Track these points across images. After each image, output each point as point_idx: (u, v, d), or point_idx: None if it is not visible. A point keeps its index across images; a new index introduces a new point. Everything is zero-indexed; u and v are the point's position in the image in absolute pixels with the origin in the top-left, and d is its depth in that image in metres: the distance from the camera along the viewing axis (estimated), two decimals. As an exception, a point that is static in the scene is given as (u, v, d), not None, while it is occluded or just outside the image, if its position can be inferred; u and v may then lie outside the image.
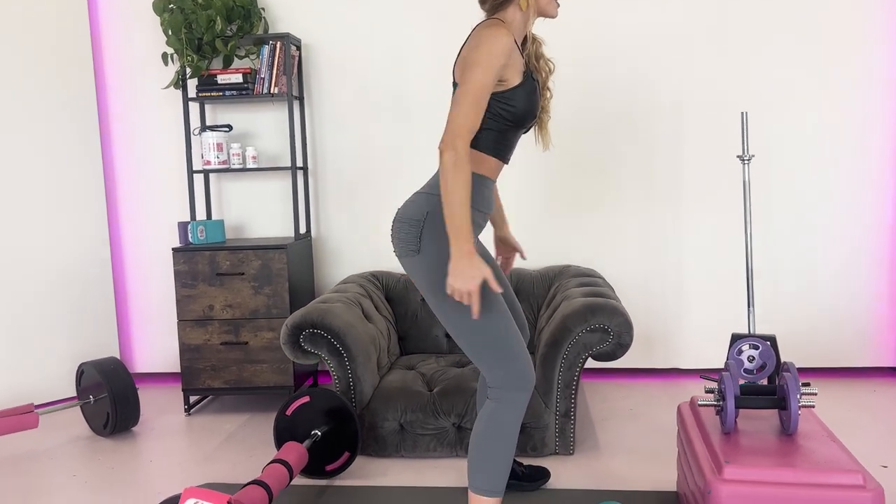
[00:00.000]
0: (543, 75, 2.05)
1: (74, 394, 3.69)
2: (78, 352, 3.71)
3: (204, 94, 3.51)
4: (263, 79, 3.49)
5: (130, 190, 3.88)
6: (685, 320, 3.73)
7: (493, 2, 1.94)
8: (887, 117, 3.55)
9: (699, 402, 2.13)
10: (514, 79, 1.89)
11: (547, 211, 3.72)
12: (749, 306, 3.07)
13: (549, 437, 2.78)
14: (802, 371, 3.71)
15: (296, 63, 3.62)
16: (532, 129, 2.11)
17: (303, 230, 3.76)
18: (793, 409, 1.99)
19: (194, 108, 3.74)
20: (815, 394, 2.10)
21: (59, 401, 3.66)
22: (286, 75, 3.48)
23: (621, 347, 2.74)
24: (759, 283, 3.65)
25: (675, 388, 3.61)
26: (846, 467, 1.82)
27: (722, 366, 3.73)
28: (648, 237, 3.69)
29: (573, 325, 2.72)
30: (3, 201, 3.46)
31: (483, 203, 2.00)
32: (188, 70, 3.48)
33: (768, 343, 2.96)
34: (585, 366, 2.82)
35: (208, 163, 3.56)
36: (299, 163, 3.76)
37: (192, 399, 3.56)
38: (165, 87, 3.54)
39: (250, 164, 3.60)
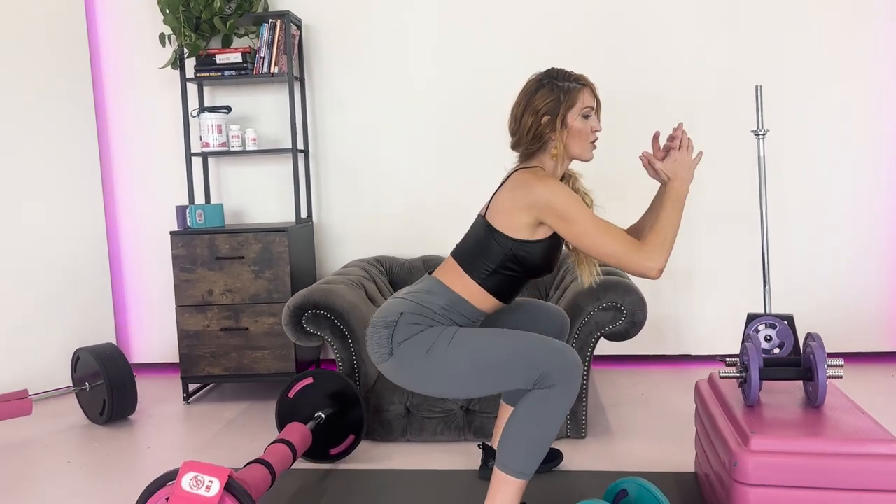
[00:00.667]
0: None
1: (70, 382, 3.59)
2: (74, 339, 3.61)
3: (202, 74, 3.43)
4: (263, 58, 3.40)
5: (127, 173, 3.79)
6: (696, 306, 3.64)
7: (527, 149, 1.98)
8: (901, 96, 3.47)
9: (721, 374, 2.04)
10: (544, 232, 1.91)
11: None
12: (765, 285, 2.99)
13: (560, 420, 2.68)
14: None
15: (296, 43, 3.53)
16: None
17: (304, 214, 3.67)
18: (820, 380, 1.90)
19: (192, 89, 3.65)
20: (842, 364, 2.01)
21: (54, 390, 3.57)
22: (286, 55, 3.40)
23: (635, 326, 2.66)
24: (773, 266, 3.56)
25: (687, 374, 3.52)
26: (879, 437, 1.74)
27: (736, 351, 3.63)
28: (658, 220, 3.60)
29: (585, 304, 2.64)
30: (-3, 184, 3.37)
31: (474, 315, 1.99)
32: (186, 50, 3.39)
33: (786, 322, 2.87)
34: (595, 353, 2.73)
35: (207, 145, 3.47)
36: (300, 145, 3.67)
37: (191, 387, 3.47)
38: (163, 67, 3.46)
39: (250, 147, 3.51)
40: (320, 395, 2.59)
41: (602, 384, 3.43)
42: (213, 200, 3.76)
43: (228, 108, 3.53)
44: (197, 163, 3.72)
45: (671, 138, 2.01)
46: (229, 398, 3.45)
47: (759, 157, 2.98)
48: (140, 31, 3.67)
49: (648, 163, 2.02)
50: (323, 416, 2.52)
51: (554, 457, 2.42)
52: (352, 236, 3.75)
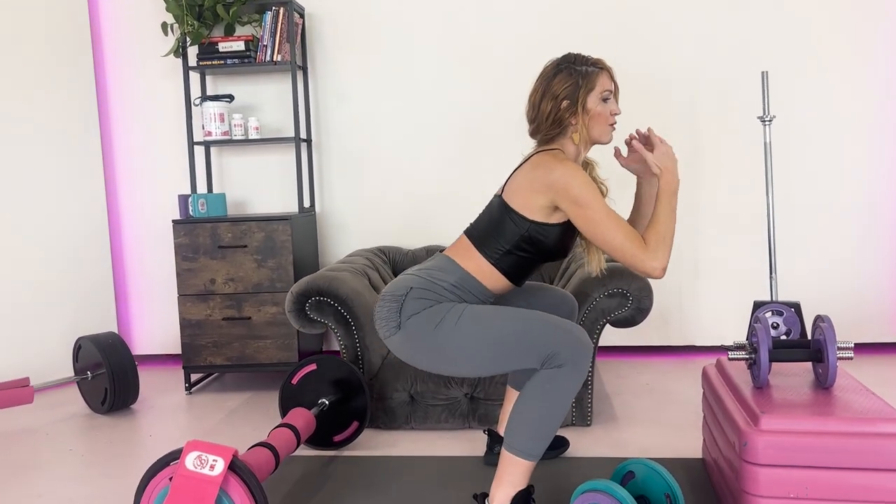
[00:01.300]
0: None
1: (71, 372, 3.57)
2: (75, 328, 3.59)
3: (205, 62, 3.41)
4: (266, 46, 3.39)
5: (129, 162, 3.78)
6: (701, 296, 3.62)
7: (546, 134, 1.95)
8: (907, 84, 3.45)
9: (730, 356, 2.02)
10: (560, 217, 1.90)
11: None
12: (771, 273, 2.97)
13: (565, 407, 2.66)
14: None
15: (299, 31, 3.52)
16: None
17: (307, 204, 3.65)
18: (831, 361, 1.88)
19: (195, 77, 3.64)
20: (852, 346, 1.99)
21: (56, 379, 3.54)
22: (289, 43, 3.39)
23: (641, 312, 2.63)
24: (779, 254, 3.54)
25: (692, 365, 3.50)
26: (889, 416, 1.71)
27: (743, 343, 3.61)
28: (662, 210, 3.58)
29: (591, 290, 2.62)
30: (-2, 173, 3.36)
31: (483, 295, 1.98)
32: (188, 38, 3.38)
33: (792, 310, 2.85)
34: (600, 344, 2.71)
35: (209, 134, 3.45)
36: (303, 135, 3.65)
37: (193, 378, 3.45)
38: (165, 55, 3.45)
39: (252, 136, 3.49)
40: (324, 382, 2.57)
41: (607, 374, 3.41)
42: (216, 190, 3.75)
43: (231, 97, 3.51)
44: (199, 152, 3.70)
45: (643, 138, 2.01)
46: (232, 388, 3.43)
47: (765, 144, 2.95)
48: (142, 19, 3.66)
49: (635, 151, 2.00)
50: (326, 402, 2.50)
51: (560, 444, 2.40)
52: (354, 226, 3.73)
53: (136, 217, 3.80)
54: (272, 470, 2.00)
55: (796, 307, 2.85)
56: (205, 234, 3.28)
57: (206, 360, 3.32)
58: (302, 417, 2.32)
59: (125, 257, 3.83)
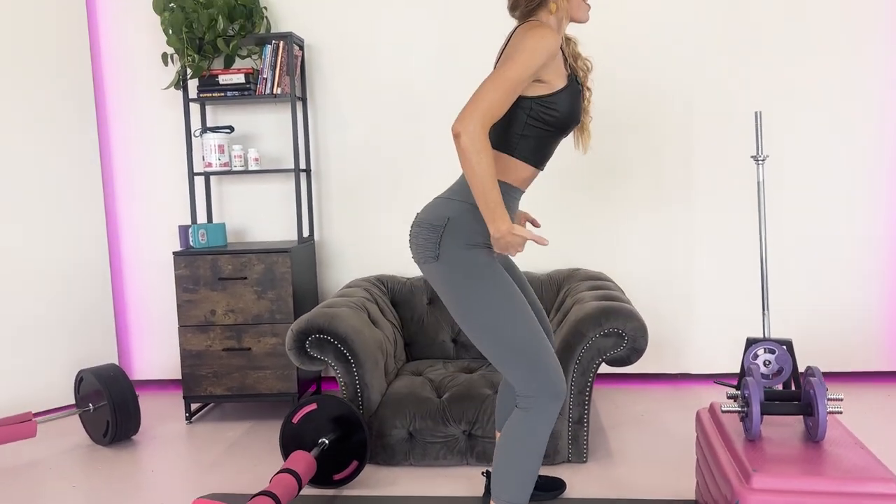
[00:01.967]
0: (582, 75, 1.99)
1: (73, 401, 3.60)
2: (76, 358, 3.62)
3: (205, 94, 3.44)
4: (266, 79, 3.42)
5: (130, 193, 3.81)
6: (695, 324, 3.67)
7: (525, 7, 1.89)
8: (899, 117, 3.50)
9: (723, 409, 2.07)
10: (558, 82, 1.84)
11: (554, 213, 3.66)
12: (764, 310, 3.02)
13: (561, 445, 2.71)
14: (814, 375, 3.65)
15: (299, 63, 3.55)
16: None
17: (306, 234, 3.69)
18: (821, 416, 1.92)
19: (195, 108, 3.67)
20: (842, 399, 2.04)
21: (57, 409, 3.58)
22: (289, 75, 3.42)
23: (636, 352, 2.68)
24: (769, 285, 3.59)
25: (686, 394, 3.55)
26: (880, 475, 1.76)
27: (733, 371, 3.66)
28: (657, 239, 3.63)
29: (587, 330, 2.66)
30: (0, 204, 3.38)
31: (513, 196, 1.95)
32: (189, 70, 3.41)
33: (784, 347, 2.90)
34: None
35: (209, 165, 3.48)
36: (302, 165, 3.69)
37: (194, 406, 3.48)
38: (166, 88, 3.47)
39: (252, 167, 3.52)
40: (324, 421, 2.61)
41: (602, 403, 3.46)
42: (216, 219, 3.78)
43: (231, 128, 3.54)
44: (199, 182, 3.73)
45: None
46: (231, 418, 3.47)
47: (758, 183, 3.01)
48: (143, 51, 3.69)
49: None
50: (327, 441, 2.54)
51: (556, 486, 2.45)
52: (353, 254, 3.77)
53: (137, 247, 3.83)
54: (275, 520, 2.04)
55: (788, 345, 2.90)
56: (205, 265, 3.31)
57: (206, 391, 3.35)
58: (303, 461, 2.36)
59: (126, 286, 3.86)
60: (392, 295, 3.50)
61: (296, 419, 2.61)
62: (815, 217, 3.58)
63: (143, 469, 2.87)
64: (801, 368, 3.64)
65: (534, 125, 1.86)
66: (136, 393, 3.17)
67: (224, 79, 3.42)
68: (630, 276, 3.66)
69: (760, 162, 2.99)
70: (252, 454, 2.97)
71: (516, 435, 1.86)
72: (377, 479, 2.66)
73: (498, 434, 2.37)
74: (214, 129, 3.51)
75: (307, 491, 2.57)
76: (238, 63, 3.59)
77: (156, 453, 3.03)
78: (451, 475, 2.67)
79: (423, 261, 1.91)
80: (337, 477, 2.58)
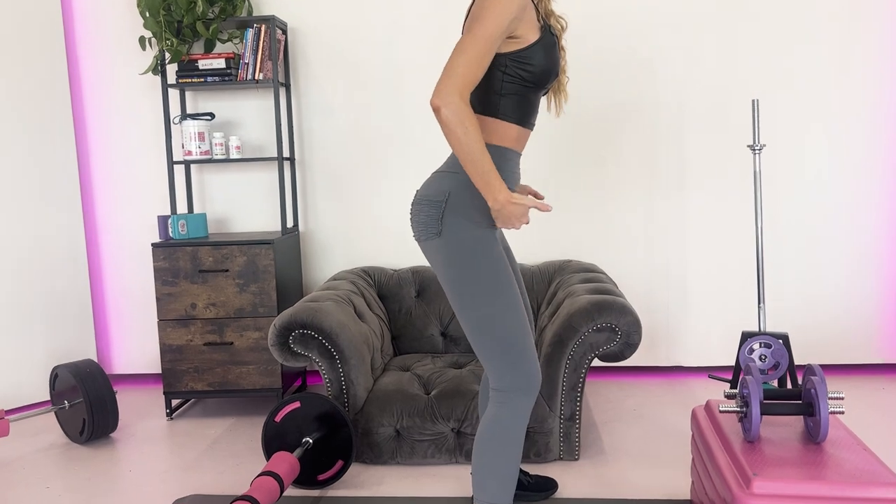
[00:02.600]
0: (557, 33, 1.88)
1: (48, 398, 3.49)
2: (53, 353, 3.51)
3: (184, 80, 3.32)
4: (247, 64, 3.30)
5: (107, 182, 3.68)
6: (689, 316, 3.61)
7: None
8: (897, 106, 3.43)
9: (721, 409, 1.99)
10: (531, 35, 1.73)
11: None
12: (760, 303, 2.95)
13: (553, 442, 2.64)
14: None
15: (282, 48, 3.43)
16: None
17: (290, 224, 3.58)
18: (823, 417, 1.85)
19: (174, 95, 3.54)
20: (843, 398, 1.97)
21: (32, 405, 3.47)
22: (271, 60, 3.30)
23: (629, 347, 2.61)
24: (766, 267, 3.52)
25: (680, 387, 3.49)
26: (885, 480, 1.69)
27: (726, 364, 3.60)
28: (651, 230, 3.55)
29: (579, 325, 2.58)
30: (-30, 194, 3.26)
31: (509, 179, 1.85)
32: (167, 55, 3.28)
33: (780, 341, 2.84)
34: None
35: (189, 153, 3.37)
36: (286, 153, 3.57)
37: (174, 402, 3.38)
38: (143, 73, 3.34)
39: (234, 155, 3.41)
40: (308, 419, 2.52)
41: (594, 397, 3.39)
42: (197, 209, 3.66)
43: (212, 115, 3.43)
44: (179, 171, 3.61)
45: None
46: (213, 413, 3.38)
47: (754, 173, 2.93)
48: (120, 35, 3.55)
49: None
50: (311, 441, 2.46)
51: (548, 486, 2.37)
52: (339, 246, 3.67)
53: (115, 238, 3.71)
54: (255, 526, 1.95)
55: (784, 339, 2.85)
56: (185, 257, 3.20)
57: (187, 386, 3.25)
58: (286, 463, 2.28)
59: (104, 279, 3.75)
60: (379, 287, 3.40)
61: (278, 418, 2.52)
62: (811, 207, 3.51)
63: (121, 468, 2.77)
64: (797, 362, 3.59)
65: (512, 83, 1.77)
66: (115, 389, 3.07)
67: (204, 64, 3.30)
68: (622, 267, 3.59)
69: (757, 151, 2.92)
70: (234, 453, 2.88)
71: (491, 432, 1.80)
72: (363, 479, 2.57)
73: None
74: (194, 116, 3.39)
75: (290, 492, 2.49)
76: (218, 48, 3.47)
77: (134, 452, 2.93)
78: (439, 474, 2.59)
79: (424, 237, 1.82)
80: (321, 477, 2.50)
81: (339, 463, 2.50)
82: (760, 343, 2.81)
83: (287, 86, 3.52)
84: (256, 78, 3.30)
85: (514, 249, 3.59)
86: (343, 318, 2.74)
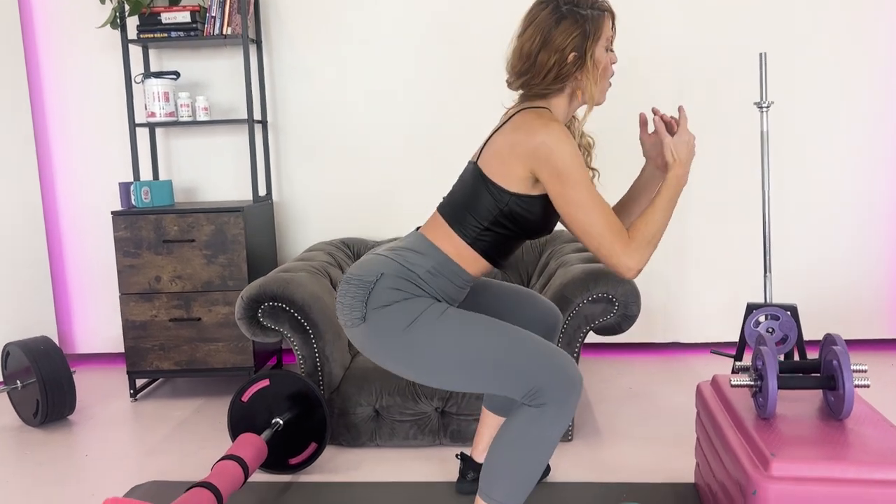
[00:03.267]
0: (585, 154, 1.83)
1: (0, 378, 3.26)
2: (8, 331, 3.26)
3: (146, 35, 3.07)
4: (214, 18, 3.05)
5: (64, 146, 3.43)
6: (687, 290, 3.41)
7: (543, 90, 1.66)
8: (908, 66, 3.23)
9: (732, 383, 1.80)
10: (544, 187, 1.63)
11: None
12: (766, 272, 2.76)
13: (544, 422, 2.44)
14: (815, 344, 3.41)
15: (252, 1, 3.18)
16: None
17: (262, 192, 3.35)
18: (847, 391, 1.66)
19: (136, 52, 3.28)
20: (866, 370, 1.78)
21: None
22: (241, 14, 3.05)
23: (627, 319, 2.41)
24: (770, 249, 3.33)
25: (678, 364, 3.30)
26: (918, 460, 1.51)
27: (729, 339, 3.41)
28: (647, 199, 3.34)
29: (573, 295, 2.38)
30: (-87, 158, 3.00)
31: (454, 294, 1.72)
32: (127, 7, 3.02)
33: (788, 313, 2.64)
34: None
35: (153, 115, 3.13)
36: (257, 116, 3.33)
37: (139, 383, 3.16)
38: (101, 27, 3.08)
39: (201, 117, 3.17)
40: (278, 399, 2.31)
41: (587, 375, 3.20)
42: (162, 176, 3.42)
43: (177, 74, 3.18)
44: (142, 134, 3.36)
45: (668, 122, 1.78)
46: (182, 394, 3.16)
47: (761, 133, 2.73)
48: (75, -15, 3.28)
49: (655, 132, 1.73)
50: (281, 422, 2.25)
51: (540, 469, 2.18)
52: (316, 216, 3.44)
53: (75, 206, 3.46)
54: (212, 516, 1.74)
55: (793, 310, 2.65)
56: (148, 227, 2.97)
57: (152, 365, 3.03)
58: (251, 446, 2.07)
59: (64, 250, 3.50)
60: (358, 259, 3.18)
61: (245, 397, 2.31)
62: (821, 172, 3.31)
63: (77, 453, 2.55)
64: (805, 336, 3.40)
65: (502, 221, 1.65)
66: (73, 368, 2.85)
67: (167, 17, 3.05)
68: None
69: (765, 108, 2.71)
70: (200, 435, 2.67)
71: (527, 432, 1.56)
72: (339, 463, 2.37)
73: (485, 411, 2.08)
74: (158, 75, 3.14)
75: (258, 477, 2.28)
76: (184, 0, 3.21)
77: (92, 435, 2.71)
78: (421, 457, 2.39)
79: (350, 324, 1.66)
80: (293, 461, 2.30)
81: (313, 446, 2.29)
82: (767, 315, 2.62)
83: (258, 43, 3.27)
84: (224, 33, 3.05)
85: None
86: (317, 290, 2.52)
